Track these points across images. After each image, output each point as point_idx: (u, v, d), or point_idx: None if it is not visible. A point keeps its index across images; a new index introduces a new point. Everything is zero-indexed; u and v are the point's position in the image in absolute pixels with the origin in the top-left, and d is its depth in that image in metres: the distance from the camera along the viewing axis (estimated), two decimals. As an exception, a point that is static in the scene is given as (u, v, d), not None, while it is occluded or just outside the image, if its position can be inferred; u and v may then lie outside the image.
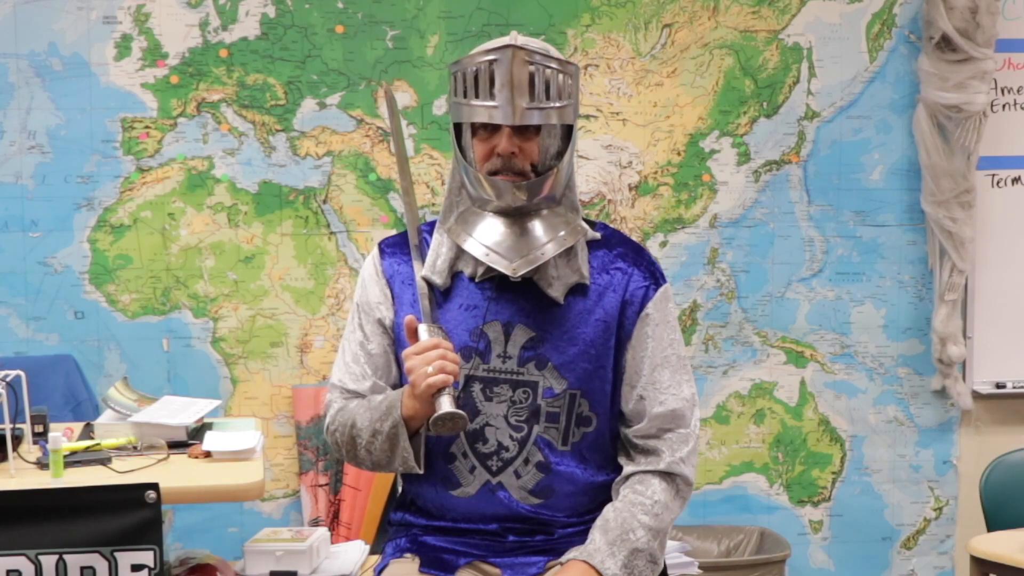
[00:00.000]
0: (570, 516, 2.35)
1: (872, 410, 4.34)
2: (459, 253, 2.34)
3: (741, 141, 4.22)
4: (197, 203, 4.03)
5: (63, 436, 2.74)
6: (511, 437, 2.31)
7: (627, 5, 4.14)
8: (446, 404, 2.17)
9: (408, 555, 2.37)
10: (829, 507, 4.35)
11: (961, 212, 4.20)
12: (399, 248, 2.42)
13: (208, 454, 2.84)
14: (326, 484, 4.05)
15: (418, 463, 2.29)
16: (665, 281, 2.40)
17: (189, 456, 2.85)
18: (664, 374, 2.33)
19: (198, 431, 3.03)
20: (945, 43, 4.11)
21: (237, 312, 4.06)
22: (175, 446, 2.90)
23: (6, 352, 3.89)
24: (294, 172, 4.06)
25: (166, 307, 4.03)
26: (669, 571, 2.53)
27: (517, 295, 2.32)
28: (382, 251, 2.43)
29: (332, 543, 3.42)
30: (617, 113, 4.17)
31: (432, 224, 2.42)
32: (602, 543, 2.25)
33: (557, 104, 2.26)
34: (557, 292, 2.31)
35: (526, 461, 2.31)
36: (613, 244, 2.41)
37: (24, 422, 2.87)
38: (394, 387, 2.37)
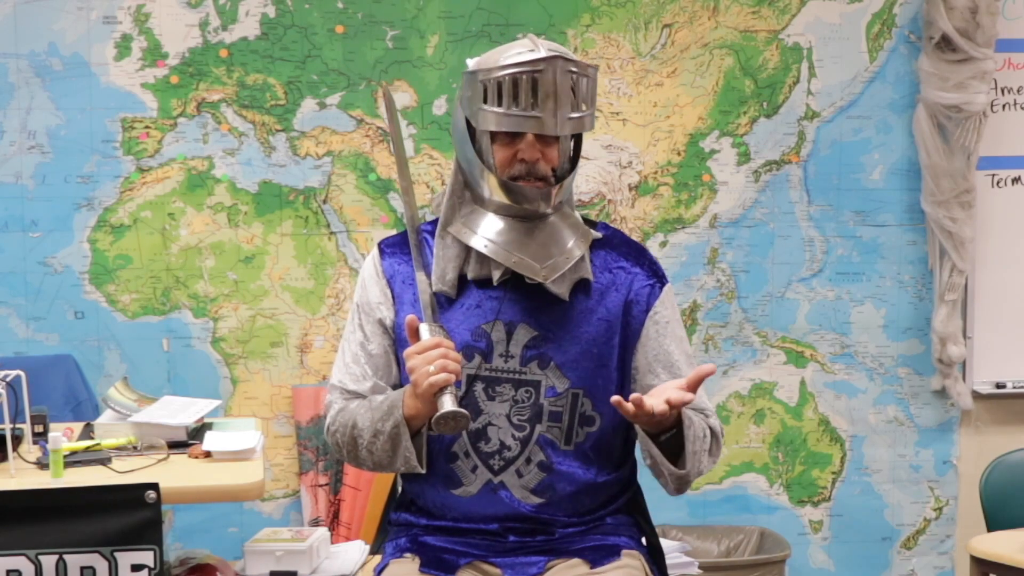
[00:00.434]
0: (571, 516, 2.35)
1: (872, 410, 4.34)
2: (467, 257, 2.34)
3: (741, 141, 4.22)
4: (197, 203, 4.03)
5: (63, 436, 2.74)
6: (513, 436, 2.31)
7: (627, 5, 4.14)
8: (448, 403, 2.17)
9: (408, 555, 2.37)
10: (829, 507, 4.35)
11: (961, 212, 4.20)
12: (399, 248, 2.42)
13: (208, 454, 2.83)
14: (326, 484, 4.05)
15: (420, 463, 2.28)
16: (667, 281, 2.41)
17: (189, 456, 2.85)
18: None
19: (198, 431, 3.03)
20: (945, 43, 4.11)
21: (237, 312, 4.06)
22: (175, 446, 2.90)
23: (6, 352, 3.89)
24: (294, 172, 4.06)
25: (166, 307, 4.03)
26: (669, 571, 2.53)
27: (520, 294, 2.32)
28: (382, 251, 2.43)
29: (332, 543, 3.42)
30: (617, 113, 4.17)
31: (433, 224, 2.42)
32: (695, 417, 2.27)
33: (589, 112, 2.29)
34: (563, 289, 2.31)
35: (528, 460, 2.31)
36: (615, 243, 2.41)
37: (24, 422, 2.87)
38: (395, 387, 2.36)
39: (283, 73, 4.03)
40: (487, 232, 2.29)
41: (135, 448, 2.88)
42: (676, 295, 4.15)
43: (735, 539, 4.22)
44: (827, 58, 4.23)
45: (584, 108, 2.27)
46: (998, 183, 4.33)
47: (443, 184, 4.00)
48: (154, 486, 2.47)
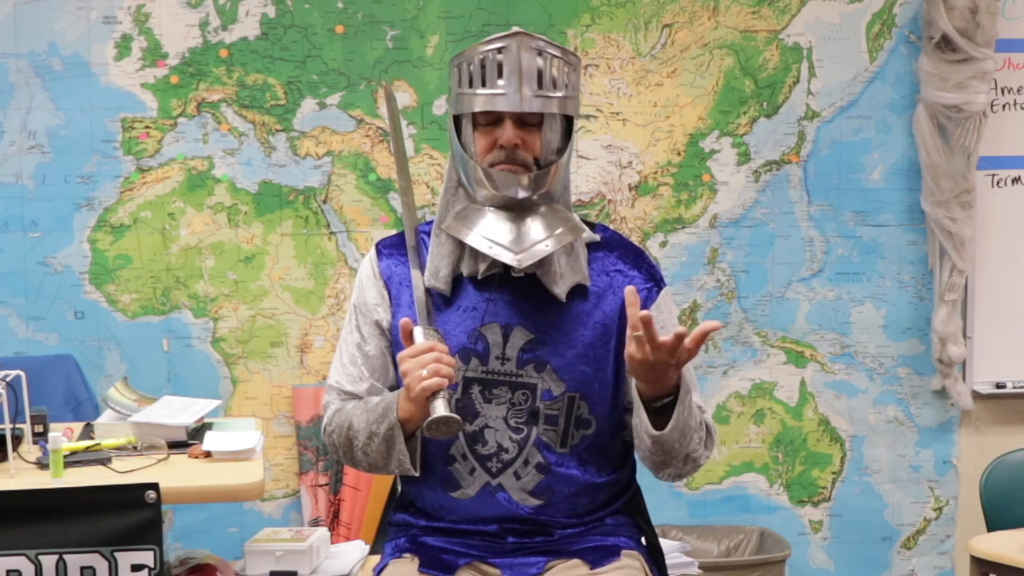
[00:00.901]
0: (570, 517, 2.34)
1: (872, 410, 4.34)
2: (461, 255, 2.34)
3: (741, 141, 4.22)
4: (197, 203, 4.03)
5: (63, 436, 2.74)
6: (510, 439, 2.31)
7: (627, 5, 4.14)
8: (440, 408, 2.16)
9: (407, 555, 2.36)
10: (829, 507, 4.35)
11: (961, 212, 4.20)
12: (396, 249, 2.41)
13: (208, 454, 2.83)
14: (326, 484, 4.05)
15: (414, 466, 2.28)
16: (666, 284, 2.40)
17: (189, 456, 2.85)
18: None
19: (198, 431, 3.03)
20: (945, 43, 4.11)
21: (237, 312, 4.06)
22: (175, 446, 2.90)
23: (6, 352, 3.89)
24: (294, 172, 4.06)
25: (166, 307, 4.03)
26: (669, 571, 2.53)
27: (517, 296, 2.32)
28: (379, 252, 2.42)
29: (332, 543, 3.42)
30: (617, 113, 4.17)
31: (430, 225, 2.42)
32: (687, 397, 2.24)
33: (561, 94, 2.26)
34: (561, 289, 2.30)
35: (526, 463, 2.31)
36: (613, 246, 2.40)
37: (24, 422, 2.87)
38: (391, 389, 2.36)
39: (283, 73, 4.03)
40: (474, 224, 2.29)
41: (135, 448, 2.88)
42: (676, 295, 4.20)
43: (735, 539, 4.22)
44: (827, 58, 4.23)
45: (555, 88, 2.25)
46: (998, 183, 4.33)
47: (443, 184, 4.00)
48: (154, 486, 2.47)
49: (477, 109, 2.26)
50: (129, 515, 2.46)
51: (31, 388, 2.94)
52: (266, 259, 4.07)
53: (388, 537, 2.47)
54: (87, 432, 3.02)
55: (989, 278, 4.33)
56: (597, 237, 2.39)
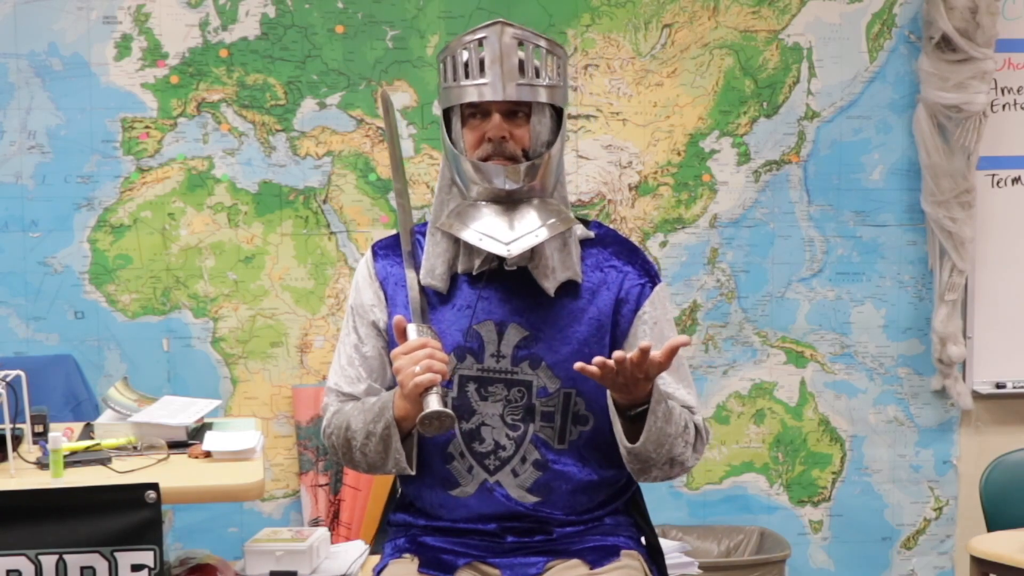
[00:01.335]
0: (568, 514, 2.34)
1: (872, 410, 4.34)
2: (456, 252, 2.34)
3: (741, 141, 4.22)
4: (197, 203, 4.03)
5: (63, 436, 2.74)
6: (507, 436, 2.31)
7: (627, 5, 4.14)
8: (434, 403, 2.16)
9: (407, 555, 2.36)
10: (829, 507, 4.35)
11: (961, 212, 4.20)
12: (392, 250, 2.42)
13: (208, 454, 2.83)
14: (326, 484, 4.05)
15: (410, 465, 2.28)
16: (660, 280, 2.39)
17: (189, 456, 2.85)
18: (664, 372, 2.32)
19: (198, 431, 3.03)
20: (945, 43, 4.11)
21: (237, 312, 4.06)
22: (175, 446, 2.90)
23: (6, 352, 3.89)
24: (294, 172, 4.06)
25: (166, 307, 4.03)
26: (669, 571, 2.53)
27: (511, 293, 2.32)
28: (375, 253, 2.43)
29: (332, 543, 3.42)
30: (617, 113, 4.17)
31: (426, 226, 2.42)
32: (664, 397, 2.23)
33: (547, 83, 2.26)
34: (551, 284, 2.30)
35: (523, 460, 2.31)
36: (607, 242, 2.40)
37: (24, 422, 2.87)
38: (389, 389, 2.36)
39: (283, 73, 4.03)
40: (469, 221, 2.29)
41: (135, 448, 2.88)
42: (676, 295, 4.20)
43: (735, 539, 4.22)
44: (827, 58, 4.23)
45: (538, 77, 2.25)
46: (998, 183, 4.33)
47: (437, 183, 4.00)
48: (154, 486, 2.47)
49: (461, 101, 2.27)
50: (129, 515, 2.46)
51: (31, 388, 2.94)
52: (266, 259, 4.07)
53: (388, 537, 2.47)
54: (87, 432, 3.03)
55: (989, 278, 4.33)
56: (591, 234, 2.39)
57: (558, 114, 2.32)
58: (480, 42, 2.25)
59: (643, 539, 2.45)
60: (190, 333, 4.05)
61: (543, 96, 2.26)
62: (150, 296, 4.02)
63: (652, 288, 2.36)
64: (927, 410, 4.36)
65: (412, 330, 2.24)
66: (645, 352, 2.08)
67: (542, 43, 2.27)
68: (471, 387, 2.31)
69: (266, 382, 4.09)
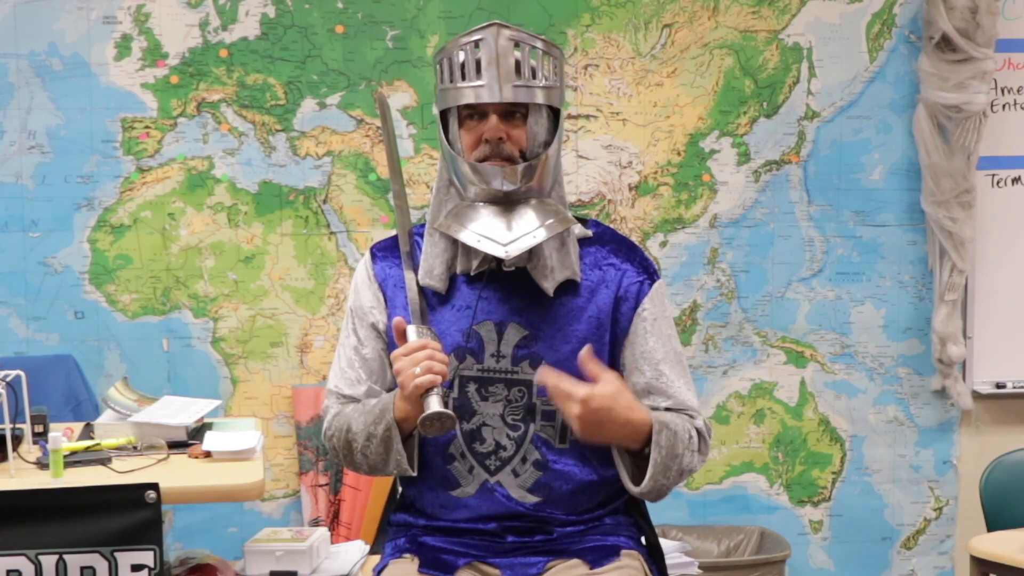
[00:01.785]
0: (569, 514, 2.34)
1: (872, 410, 4.34)
2: (455, 253, 2.34)
3: (741, 141, 4.22)
4: (197, 203, 4.03)
5: (63, 436, 2.74)
6: (508, 436, 2.31)
7: (627, 5, 4.14)
8: (434, 404, 2.17)
9: (407, 555, 2.36)
10: (829, 507, 4.35)
11: (961, 212, 4.20)
12: (390, 252, 2.42)
13: (208, 454, 2.83)
14: (326, 484, 4.05)
15: (411, 466, 2.28)
16: (659, 277, 2.39)
17: (189, 456, 2.85)
18: (665, 369, 2.33)
19: (198, 431, 3.03)
20: (945, 43, 4.11)
21: (237, 312, 4.06)
22: (175, 446, 2.90)
23: (6, 352, 3.89)
24: (294, 172, 4.06)
25: (166, 307, 4.03)
26: (669, 571, 2.53)
27: (510, 293, 2.32)
28: (374, 255, 2.43)
29: (332, 543, 3.43)
30: (617, 113, 4.17)
31: (424, 227, 2.42)
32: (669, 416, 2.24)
33: (542, 84, 2.26)
34: (550, 284, 2.30)
35: (524, 460, 2.31)
36: (605, 241, 2.40)
37: (24, 422, 2.87)
38: (389, 391, 2.36)
39: (283, 73, 4.03)
40: (467, 222, 2.29)
41: (135, 448, 2.88)
42: (676, 295, 4.20)
43: (735, 539, 4.22)
44: (827, 58, 4.23)
45: (534, 78, 2.26)
46: (998, 183, 4.33)
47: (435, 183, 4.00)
48: (154, 486, 2.47)
49: (458, 103, 2.28)
50: (129, 515, 2.46)
51: (31, 388, 2.94)
52: (266, 259, 4.07)
53: (388, 537, 2.47)
54: (87, 432, 3.02)
55: (989, 278, 4.33)
56: (589, 232, 2.39)
57: (555, 114, 2.32)
58: (476, 44, 2.25)
59: (643, 539, 2.45)
60: (190, 333, 4.05)
61: (540, 97, 2.27)
62: (150, 296, 4.02)
63: (651, 285, 2.36)
64: (927, 410, 4.36)
65: (412, 331, 2.24)
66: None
67: (538, 44, 2.27)
68: (471, 387, 2.31)
69: (266, 382, 4.09)
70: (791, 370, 4.30)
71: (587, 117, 4.15)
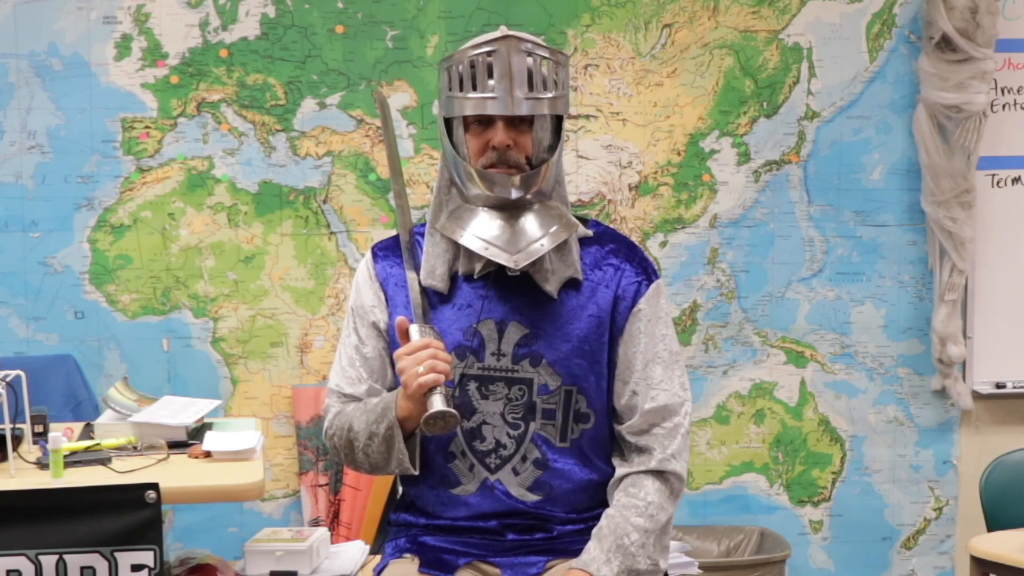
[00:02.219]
0: (569, 513, 2.35)
1: (872, 410, 4.34)
2: (456, 254, 2.34)
3: (741, 141, 4.22)
4: (197, 203, 4.03)
5: (63, 436, 2.74)
6: (508, 435, 2.31)
7: (627, 5, 4.14)
8: (438, 403, 2.17)
9: (407, 555, 2.37)
10: (829, 507, 4.35)
11: (961, 212, 4.20)
12: (392, 251, 2.43)
13: (208, 454, 2.83)
14: (326, 484, 4.05)
15: (413, 465, 2.29)
16: (658, 277, 2.39)
17: (189, 456, 2.85)
18: (656, 369, 2.33)
19: (198, 431, 3.03)
20: (945, 43, 4.11)
21: (237, 312, 4.06)
22: (175, 446, 2.90)
23: (6, 352, 3.89)
24: (294, 172, 4.06)
25: (166, 307, 4.03)
26: (669, 571, 2.53)
27: (510, 292, 2.32)
28: (375, 255, 2.43)
29: (332, 543, 3.42)
30: (617, 113, 4.17)
31: (424, 227, 2.42)
32: (597, 552, 2.25)
33: (552, 95, 2.27)
34: (552, 287, 2.31)
35: (524, 458, 2.32)
36: (605, 240, 2.41)
37: (24, 422, 2.87)
38: (390, 390, 2.37)
39: (283, 73, 4.03)
40: (469, 225, 2.29)
41: (135, 448, 2.88)
42: (676, 295, 4.20)
43: (735, 539, 4.22)
44: (827, 58, 4.23)
45: (545, 89, 2.26)
46: (998, 183, 4.33)
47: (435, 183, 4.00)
48: (154, 486, 2.47)
49: (468, 113, 2.28)
50: (129, 515, 2.45)
51: (31, 388, 2.94)
52: (266, 259, 4.07)
53: (388, 537, 2.48)
54: (87, 432, 3.03)
55: (989, 278, 4.33)
56: (590, 232, 2.40)
57: (558, 118, 2.33)
58: (489, 54, 2.25)
59: (643, 539, 2.45)
60: (190, 333, 4.05)
61: (549, 108, 2.28)
62: (150, 296, 4.02)
63: (648, 285, 2.36)
64: (927, 410, 4.36)
65: (415, 331, 2.25)
66: None
67: (548, 54, 2.28)
68: (472, 386, 2.32)
69: (266, 382, 4.09)
70: (791, 370, 4.30)
71: (587, 117, 4.15)
